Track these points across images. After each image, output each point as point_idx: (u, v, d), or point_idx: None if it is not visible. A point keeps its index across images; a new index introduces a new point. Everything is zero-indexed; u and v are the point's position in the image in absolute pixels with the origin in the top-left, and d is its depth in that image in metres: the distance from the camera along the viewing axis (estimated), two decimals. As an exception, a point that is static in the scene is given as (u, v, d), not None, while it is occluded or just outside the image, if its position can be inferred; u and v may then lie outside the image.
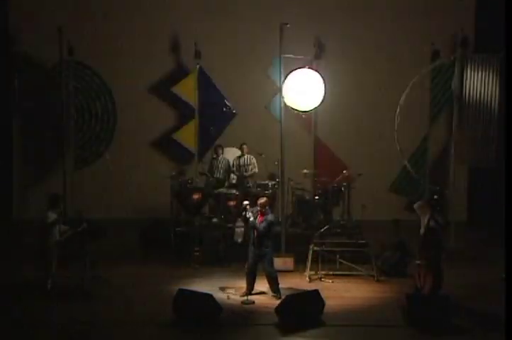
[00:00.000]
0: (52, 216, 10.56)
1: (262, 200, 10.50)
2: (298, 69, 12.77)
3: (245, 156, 14.12)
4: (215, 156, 14.29)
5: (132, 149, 16.16)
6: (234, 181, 14.02)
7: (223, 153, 14.25)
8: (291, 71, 12.87)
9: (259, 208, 10.40)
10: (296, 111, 12.99)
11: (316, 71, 12.79)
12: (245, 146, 14.12)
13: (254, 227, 10.32)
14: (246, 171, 13.99)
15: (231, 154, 14.56)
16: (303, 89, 12.58)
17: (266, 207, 10.46)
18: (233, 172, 13.99)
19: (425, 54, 14.78)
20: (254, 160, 14.07)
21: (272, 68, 13.42)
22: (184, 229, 12.99)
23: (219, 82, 15.22)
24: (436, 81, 14.68)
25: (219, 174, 14.02)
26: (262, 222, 10.31)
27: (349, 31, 15.65)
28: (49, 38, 14.32)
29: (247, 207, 10.47)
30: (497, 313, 9.35)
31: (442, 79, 14.56)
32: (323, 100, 12.66)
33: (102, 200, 16.11)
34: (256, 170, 14.05)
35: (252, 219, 10.34)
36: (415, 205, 10.21)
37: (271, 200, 13.05)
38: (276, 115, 13.21)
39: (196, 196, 13.20)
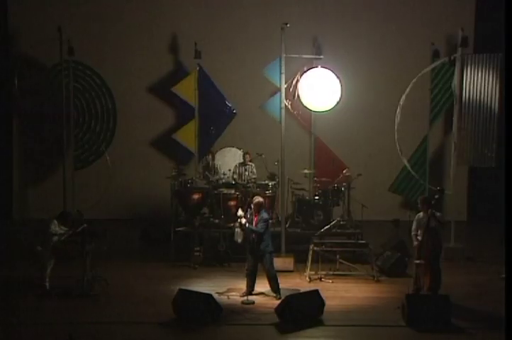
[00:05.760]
0: (55, 228, 10.56)
1: (256, 200, 10.50)
2: (314, 69, 12.90)
3: (247, 165, 13.98)
4: (205, 164, 14.24)
5: (132, 149, 16.17)
6: (234, 182, 13.97)
7: (213, 159, 14.18)
8: (305, 71, 13.01)
9: (253, 207, 10.39)
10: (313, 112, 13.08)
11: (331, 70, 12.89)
12: (247, 156, 13.95)
13: (252, 230, 10.30)
14: (247, 177, 13.85)
15: (231, 154, 14.55)
16: (321, 89, 12.71)
17: (262, 207, 10.44)
18: (235, 180, 13.81)
19: (425, 54, 14.79)
20: (254, 169, 13.98)
21: (269, 68, 13.43)
22: (184, 229, 12.99)
23: (219, 82, 15.24)
24: (436, 81, 14.68)
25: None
26: (258, 222, 10.29)
27: (349, 31, 15.67)
28: (49, 38, 14.32)
29: (242, 215, 10.43)
30: (497, 313, 9.35)
31: (442, 79, 14.56)
32: (339, 100, 12.73)
33: (102, 200, 16.11)
34: (255, 176, 13.94)
35: (247, 225, 10.32)
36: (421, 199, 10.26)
37: (271, 201, 13.06)
38: (273, 115, 13.23)
39: (196, 196, 13.18)
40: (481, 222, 15.51)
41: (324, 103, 12.89)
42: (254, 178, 13.72)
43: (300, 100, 14.40)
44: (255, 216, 10.37)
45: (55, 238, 10.61)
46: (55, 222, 10.65)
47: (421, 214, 10.11)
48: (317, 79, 12.96)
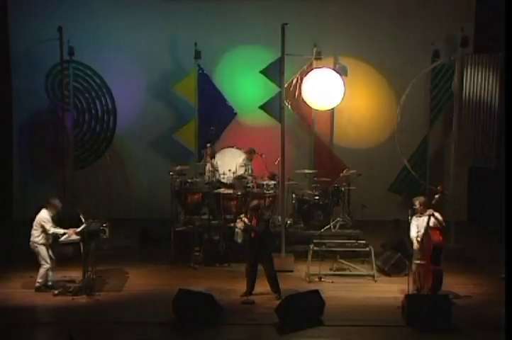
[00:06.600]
0: (50, 226, 10.52)
1: (253, 204, 10.51)
2: (318, 69, 13.25)
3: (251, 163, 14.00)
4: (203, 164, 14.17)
5: (132, 148, 16.18)
6: (231, 181, 13.93)
7: (211, 159, 14.08)
8: (308, 71, 13.27)
9: (250, 211, 10.40)
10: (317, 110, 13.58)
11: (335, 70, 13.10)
12: (254, 155, 13.89)
13: (252, 229, 10.30)
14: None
15: (231, 154, 14.54)
16: (326, 88, 13.14)
17: (259, 210, 10.44)
18: (240, 175, 13.69)
19: (425, 54, 14.79)
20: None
21: (269, 68, 13.44)
22: (184, 229, 12.98)
23: (219, 82, 15.26)
24: (436, 81, 14.70)
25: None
26: (258, 223, 10.30)
27: (349, 31, 15.66)
28: (49, 38, 14.30)
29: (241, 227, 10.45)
30: (497, 313, 9.34)
31: (442, 79, 14.57)
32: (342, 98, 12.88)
33: (102, 200, 16.13)
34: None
35: (249, 223, 10.32)
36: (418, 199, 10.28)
37: (271, 201, 13.05)
38: (273, 115, 13.24)
39: (196, 196, 13.18)
40: (481, 222, 15.50)
41: (328, 102, 13.11)
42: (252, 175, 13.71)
43: (300, 100, 14.49)
44: (255, 217, 10.37)
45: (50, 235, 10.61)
46: (47, 219, 10.58)
47: (417, 216, 10.15)
48: (320, 79, 13.15)
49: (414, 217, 10.30)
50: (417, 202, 10.30)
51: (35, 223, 10.58)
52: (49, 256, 10.64)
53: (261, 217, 10.37)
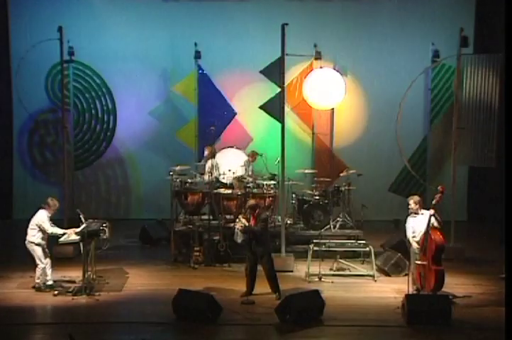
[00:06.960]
0: (49, 226, 10.50)
1: (250, 204, 10.51)
2: (318, 69, 13.45)
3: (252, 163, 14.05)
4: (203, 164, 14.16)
5: (133, 148, 16.18)
6: (231, 181, 13.93)
7: (211, 158, 14.04)
8: (309, 71, 13.63)
9: (248, 210, 10.41)
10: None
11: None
12: (256, 157, 13.96)
13: (251, 230, 10.29)
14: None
15: (231, 154, 14.54)
16: (326, 87, 13.50)
17: (256, 209, 10.44)
18: (242, 178, 13.70)
19: (425, 54, 14.80)
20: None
21: (269, 68, 13.44)
22: (184, 229, 12.98)
23: (219, 82, 15.26)
24: (436, 81, 14.69)
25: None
26: (257, 222, 10.30)
27: (348, 31, 15.67)
28: (50, 38, 14.31)
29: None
30: (497, 313, 9.34)
31: (442, 79, 14.57)
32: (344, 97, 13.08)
33: (102, 200, 16.14)
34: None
35: (247, 224, 10.32)
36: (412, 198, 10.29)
37: (271, 201, 13.05)
38: (273, 115, 13.24)
39: (195, 196, 13.17)
40: (481, 222, 15.51)
41: (329, 102, 13.24)
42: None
43: (300, 100, 14.52)
44: (253, 217, 10.38)
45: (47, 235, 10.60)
46: (46, 219, 10.57)
47: (412, 216, 10.14)
48: (321, 78, 13.23)
49: (409, 217, 10.29)
50: (412, 201, 10.30)
51: (31, 223, 10.56)
52: (46, 255, 10.60)
53: (259, 217, 10.36)
